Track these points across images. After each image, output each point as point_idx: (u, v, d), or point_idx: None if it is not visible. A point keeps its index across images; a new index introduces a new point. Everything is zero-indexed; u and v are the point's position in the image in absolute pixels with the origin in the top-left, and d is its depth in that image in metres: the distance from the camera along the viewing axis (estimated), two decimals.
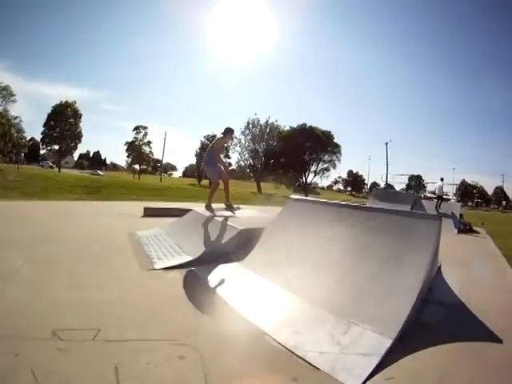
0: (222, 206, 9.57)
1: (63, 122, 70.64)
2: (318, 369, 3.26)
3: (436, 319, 4.57)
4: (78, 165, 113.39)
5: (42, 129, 72.86)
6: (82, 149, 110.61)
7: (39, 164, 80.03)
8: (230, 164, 76.41)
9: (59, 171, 56.79)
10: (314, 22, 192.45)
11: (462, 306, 5.08)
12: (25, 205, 13.61)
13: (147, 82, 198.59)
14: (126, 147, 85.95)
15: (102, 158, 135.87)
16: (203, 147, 75.66)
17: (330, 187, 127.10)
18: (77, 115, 72.42)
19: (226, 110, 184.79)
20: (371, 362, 3.37)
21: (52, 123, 71.12)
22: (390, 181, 48.09)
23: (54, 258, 5.87)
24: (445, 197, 24.68)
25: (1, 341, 3.04)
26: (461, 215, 18.92)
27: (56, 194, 16.56)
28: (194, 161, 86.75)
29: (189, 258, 6.29)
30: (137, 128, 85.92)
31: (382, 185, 49.13)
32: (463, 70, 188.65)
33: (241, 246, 6.81)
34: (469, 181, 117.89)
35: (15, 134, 61.75)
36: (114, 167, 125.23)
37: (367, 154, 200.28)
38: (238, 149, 66.48)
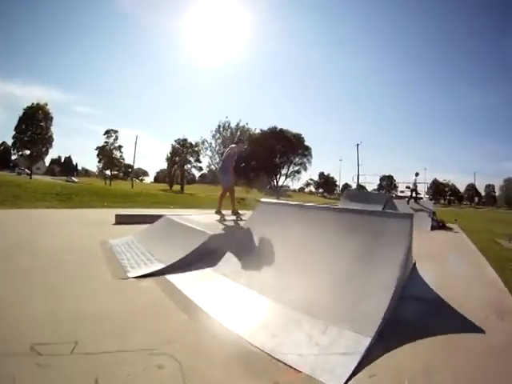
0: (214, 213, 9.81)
1: (34, 125, 68.57)
2: (299, 371, 3.31)
3: (415, 315, 4.67)
4: (50, 171, 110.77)
5: (13, 133, 70.50)
6: (52, 154, 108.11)
7: (15, 171, 77.06)
8: (200, 168, 76.37)
9: (30, 178, 55.45)
10: (286, 24, 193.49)
11: (441, 301, 5.19)
12: None
13: (120, 84, 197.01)
14: (96, 152, 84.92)
15: (74, 163, 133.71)
16: (174, 152, 75.35)
17: (301, 189, 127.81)
18: (48, 118, 70.32)
19: (198, 114, 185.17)
20: (352, 361, 3.43)
21: (23, 126, 68.91)
22: (361, 182, 48.78)
23: (27, 269, 5.81)
24: (418, 196, 25.13)
25: None
26: (434, 213, 19.27)
27: (28, 202, 16.23)
28: (165, 165, 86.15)
29: (161, 266, 6.29)
30: (108, 132, 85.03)
31: (354, 186, 49.75)
32: (434, 71, 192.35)
33: (212, 251, 6.85)
34: (440, 179, 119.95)
35: None
36: (86, 173, 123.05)
37: (338, 155, 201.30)
38: (208, 153, 66.54)
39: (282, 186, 68.51)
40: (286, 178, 67.27)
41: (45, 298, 4.58)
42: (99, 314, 4.23)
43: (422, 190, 38.48)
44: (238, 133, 64.26)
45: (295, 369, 3.36)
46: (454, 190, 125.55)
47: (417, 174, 23.47)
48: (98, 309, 4.40)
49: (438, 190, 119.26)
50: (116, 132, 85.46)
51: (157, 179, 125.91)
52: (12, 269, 5.80)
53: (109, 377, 2.93)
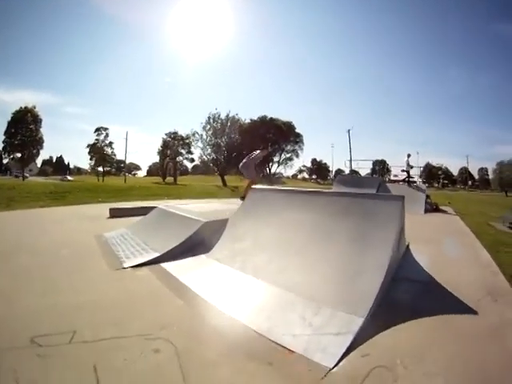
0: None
1: (24, 128, 68.26)
2: (293, 351, 3.37)
3: (408, 296, 4.69)
4: (42, 172, 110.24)
5: (3, 137, 70.22)
6: (44, 155, 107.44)
7: (7, 174, 76.15)
8: (192, 160, 76.22)
9: (23, 179, 55.19)
10: (273, 14, 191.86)
11: (434, 282, 5.22)
12: None
13: (108, 82, 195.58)
14: (88, 150, 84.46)
15: (66, 162, 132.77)
16: (165, 145, 75.05)
17: (294, 176, 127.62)
18: (37, 120, 70.17)
19: (187, 108, 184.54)
20: (344, 341, 3.48)
21: (13, 130, 68.67)
22: (354, 167, 48.62)
23: (26, 266, 5.82)
24: (410, 179, 25.25)
25: None
26: (427, 196, 19.28)
27: (22, 203, 16.14)
28: (157, 159, 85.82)
29: (156, 255, 6.33)
30: (98, 130, 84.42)
31: (347, 171, 49.66)
32: (424, 55, 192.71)
33: (206, 238, 6.93)
34: (433, 163, 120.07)
35: None
36: (78, 171, 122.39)
37: (330, 141, 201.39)
38: (199, 144, 66.15)
39: (275, 174, 68.51)
40: (279, 165, 67.43)
41: (43, 292, 4.61)
42: (96, 304, 4.27)
43: (416, 173, 38.56)
44: (229, 123, 64.12)
45: (289, 349, 3.42)
46: (447, 174, 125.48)
47: (408, 156, 23.72)
48: (95, 299, 4.44)
49: (431, 173, 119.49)
50: (106, 129, 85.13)
51: (150, 173, 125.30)
52: (10, 266, 5.82)
53: (106, 363, 2.98)
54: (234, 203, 9.81)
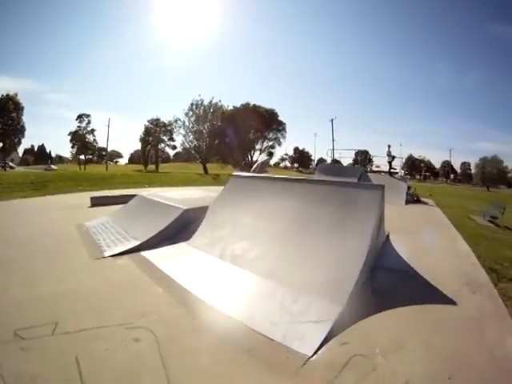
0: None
1: (5, 116, 65.92)
2: (271, 339, 3.44)
3: (387, 285, 4.78)
4: (23, 161, 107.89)
5: None
6: (25, 144, 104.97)
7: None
8: (174, 147, 75.63)
9: (5, 170, 54.00)
10: (260, 2, 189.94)
11: (414, 272, 5.30)
12: None
13: (91, 68, 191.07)
14: (69, 138, 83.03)
15: (47, 151, 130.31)
16: (147, 132, 74.19)
17: (276, 164, 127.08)
18: (19, 108, 68.06)
19: (170, 94, 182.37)
20: (323, 329, 3.56)
21: None
22: (336, 156, 48.71)
23: (6, 257, 5.77)
24: (392, 170, 25.46)
25: None
26: (409, 187, 19.43)
27: (3, 193, 15.88)
28: (139, 146, 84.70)
29: (137, 243, 6.36)
30: (80, 116, 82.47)
31: (329, 160, 49.67)
32: (414, 49, 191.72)
33: (186, 225, 6.99)
34: (416, 155, 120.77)
35: None
36: (60, 160, 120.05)
37: (313, 130, 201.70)
38: (182, 131, 65.52)
39: (256, 162, 68.43)
40: (261, 153, 67.00)
41: (25, 283, 4.60)
42: (78, 294, 4.30)
43: (398, 164, 38.85)
44: (212, 110, 63.64)
45: (267, 337, 3.48)
46: (429, 166, 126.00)
47: (389, 146, 24.10)
48: (77, 289, 4.46)
49: (414, 165, 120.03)
50: (88, 116, 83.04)
51: (131, 160, 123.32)
52: None
53: (88, 353, 3.02)
54: (215, 191, 9.81)
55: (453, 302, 4.53)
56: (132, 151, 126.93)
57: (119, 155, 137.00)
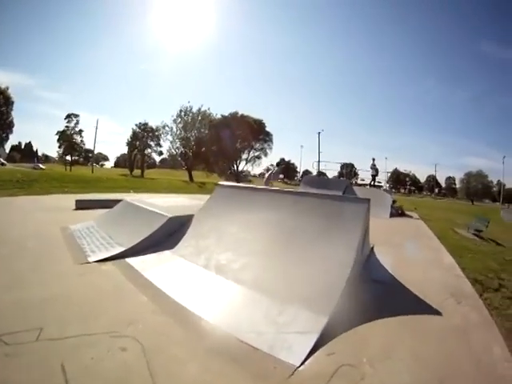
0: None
1: None
2: (258, 349, 3.45)
3: (372, 296, 4.79)
4: (11, 158, 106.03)
5: None
6: (12, 140, 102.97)
7: None
8: (161, 153, 75.16)
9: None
10: (252, 10, 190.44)
11: (399, 284, 5.35)
12: None
13: (84, 67, 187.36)
14: (57, 137, 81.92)
15: (34, 149, 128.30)
16: (135, 136, 73.65)
17: (261, 175, 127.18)
18: (9, 103, 67.02)
19: (160, 99, 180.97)
20: (310, 340, 3.58)
21: None
22: (321, 168, 48.84)
23: None
24: (377, 184, 25.70)
25: None
26: (394, 201, 19.52)
27: None
28: (125, 150, 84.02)
29: (121, 249, 6.32)
30: (69, 116, 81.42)
31: (314, 172, 49.78)
32: (400, 64, 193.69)
33: (171, 233, 6.95)
34: (401, 169, 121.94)
35: None
36: (46, 159, 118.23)
37: (299, 142, 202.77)
38: (169, 137, 65.18)
39: (242, 171, 68.13)
40: (247, 163, 66.92)
41: (9, 287, 4.53)
42: (63, 300, 4.24)
43: (383, 178, 39.11)
44: (200, 117, 63.54)
45: (254, 346, 3.49)
46: (414, 180, 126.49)
47: (373, 159, 24.43)
48: (61, 294, 4.40)
49: (399, 179, 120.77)
50: (77, 116, 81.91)
51: (117, 164, 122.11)
52: None
53: (74, 361, 2.98)
54: (201, 199, 9.81)
55: (438, 313, 4.60)
56: (118, 155, 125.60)
57: (105, 158, 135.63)
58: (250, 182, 74.60)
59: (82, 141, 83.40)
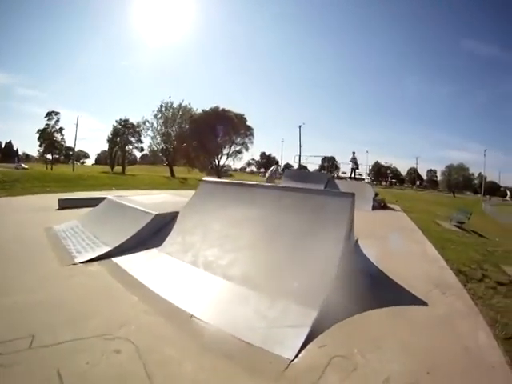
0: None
1: None
2: (251, 344, 3.45)
3: (360, 288, 4.79)
4: None
5: None
6: None
7: None
8: (142, 149, 74.38)
9: None
10: (232, 1, 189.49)
11: (385, 276, 5.40)
12: None
13: (64, 64, 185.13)
14: (37, 135, 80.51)
15: (15, 148, 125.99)
16: (116, 132, 72.79)
17: (243, 169, 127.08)
18: None
19: (141, 95, 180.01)
20: (301, 333, 3.60)
21: None
22: (303, 162, 48.97)
23: None
24: (358, 177, 25.93)
25: None
26: (376, 194, 19.69)
27: None
28: (106, 147, 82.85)
29: (107, 249, 6.24)
30: (49, 114, 79.82)
31: (296, 166, 49.87)
32: (382, 60, 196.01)
33: (157, 231, 6.90)
34: (383, 162, 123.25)
35: None
36: (27, 158, 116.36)
37: (280, 136, 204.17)
38: (150, 133, 64.62)
39: (223, 166, 67.82)
40: (228, 157, 66.59)
41: None
42: (51, 303, 4.16)
43: (364, 171, 39.51)
44: (180, 113, 63.07)
45: (247, 342, 3.50)
46: (395, 173, 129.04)
47: (353, 153, 24.89)
48: (50, 298, 4.31)
49: (380, 172, 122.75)
50: (57, 114, 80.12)
51: (98, 161, 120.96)
52: None
53: (69, 367, 2.93)
54: (184, 195, 9.74)
55: (424, 303, 4.68)
56: (99, 152, 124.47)
57: (86, 155, 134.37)
58: (230, 176, 74.48)
59: (62, 139, 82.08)
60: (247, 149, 68.17)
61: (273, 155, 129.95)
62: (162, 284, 4.94)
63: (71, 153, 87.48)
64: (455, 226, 14.78)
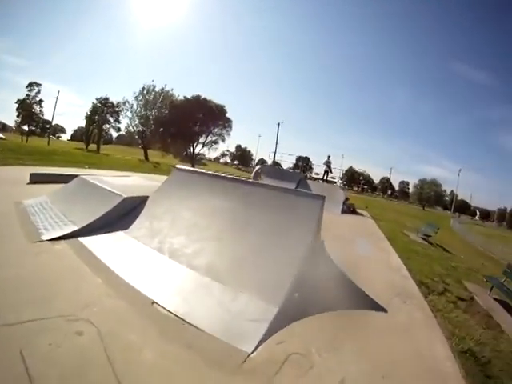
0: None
1: None
2: (211, 335, 3.51)
3: (321, 290, 4.88)
4: None
5: None
6: None
7: None
8: (119, 129, 73.21)
9: None
10: None
11: (347, 280, 5.35)
12: None
13: (49, 33, 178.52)
14: (16, 105, 78.11)
15: None
16: (95, 110, 71.49)
17: (217, 159, 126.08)
18: None
19: (125, 74, 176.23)
20: (261, 328, 3.67)
21: None
22: (277, 159, 49.08)
23: None
24: (330, 179, 26.20)
25: None
26: (347, 198, 19.75)
27: None
28: (83, 124, 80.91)
29: (74, 228, 6.17)
30: (30, 85, 77.43)
31: (270, 162, 49.98)
32: (369, 68, 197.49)
33: (126, 213, 6.86)
34: (356, 168, 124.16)
35: None
36: (4, 128, 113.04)
37: (258, 131, 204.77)
38: (128, 114, 63.69)
39: (198, 154, 67.26)
40: (203, 146, 66.04)
41: None
42: (17, 281, 4.11)
43: (337, 175, 39.83)
44: (161, 97, 62.41)
45: (207, 333, 3.55)
46: (368, 180, 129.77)
47: (328, 157, 25.06)
48: (15, 275, 4.25)
49: (353, 177, 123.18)
50: (39, 85, 77.87)
51: (74, 137, 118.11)
52: None
53: (32, 347, 2.93)
54: (156, 180, 9.70)
55: (384, 310, 4.80)
56: (76, 128, 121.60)
57: (62, 130, 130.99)
58: (204, 165, 74.02)
59: (41, 111, 79.98)
60: (224, 140, 67.83)
61: (248, 149, 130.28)
62: (126, 268, 4.93)
63: (48, 126, 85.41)
64: (422, 238, 15.03)
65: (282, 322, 3.89)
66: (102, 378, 2.71)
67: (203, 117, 61.38)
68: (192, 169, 8.71)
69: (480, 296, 6.93)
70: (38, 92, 78.21)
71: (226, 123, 66.60)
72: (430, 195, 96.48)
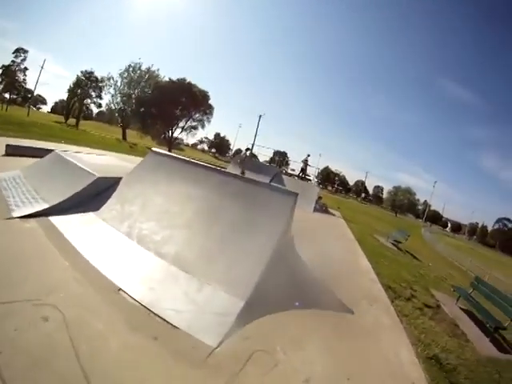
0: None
1: None
2: (177, 327, 3.51)
3: (289, 287, 4.91)
4: None
5: None
6: None
7: None
8: (100, 105, 71.85)
9: None
10: None
11: (316, 279, 5.47)
12: None
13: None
14: (0, 72, 75.56)
15: None
16: (78, 83, 69.95)
17: (194, 145, 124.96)
18: None
19: (112, 51, 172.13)
20: (227, 322, 3.69)
21: None
22: (254, 151, 49.00)
23: None
24: (306, 176, 26.33)
25: None
26: (320, 197, 19.97)
27: None
28: (65, 96, 79.04)
29: (45, 206, 6.07)
30: (17, 51, 74.78)
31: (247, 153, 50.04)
32: (354, 72, 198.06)
33: (98, 194, 6.75)
34: (333, 168, 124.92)
35: None
36: None
37: (238, 121, 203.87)
38: (111, 91, 62.68)
39: (176, 139, 66.54)
40: (182, 131, 65.37)
41: None
42: None
43: (313, 173, 40.06)
44: (147, 76, 61.54)
45: (173, 324, 3.55)
46: (342, 181, 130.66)
47: (308, 155, 25.15)
48: None
49: (328, 177, 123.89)
50: (26, 52, 74.86)
51: (54, 110, 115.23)
52: None
53: None
54: (131, 161, 9.58)
55: (351, 311, 4.88)
56: (57, 100, 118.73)
57: (43, 102, 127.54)
58: (181, 150, 73.38)
59: (24, 80, 77.67)
60: (203, 126, 67.43)
61: (227, 138, 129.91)
62: (94, 252, 4.87)
63: (30, 96, 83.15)
64: (392, 243, 15.28)
65: (247, 317, 3.91)
66: (67, 368, 2.68)
67: (185, 101, 60.80)
68: (168, 153, 8.54)
69: (447, 304, 7.13)
70: (24, 59, 75.41)
71: (208, 110, 66.17)
72: (404, 202, 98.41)
